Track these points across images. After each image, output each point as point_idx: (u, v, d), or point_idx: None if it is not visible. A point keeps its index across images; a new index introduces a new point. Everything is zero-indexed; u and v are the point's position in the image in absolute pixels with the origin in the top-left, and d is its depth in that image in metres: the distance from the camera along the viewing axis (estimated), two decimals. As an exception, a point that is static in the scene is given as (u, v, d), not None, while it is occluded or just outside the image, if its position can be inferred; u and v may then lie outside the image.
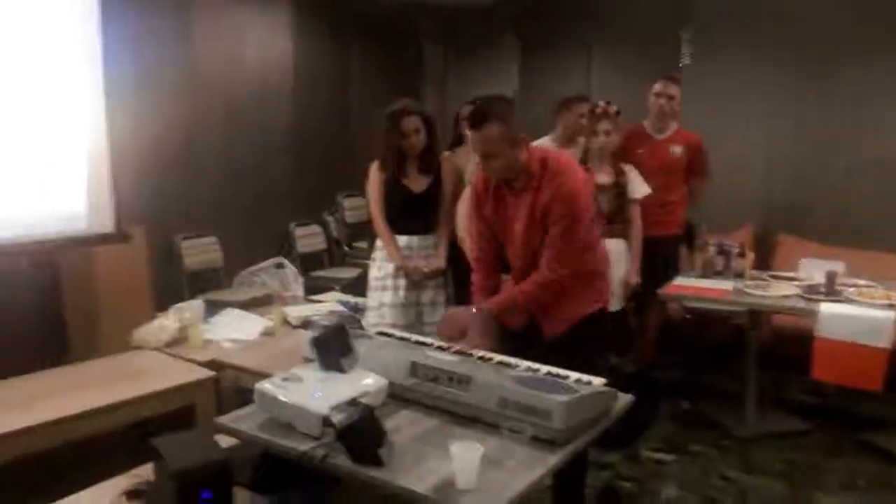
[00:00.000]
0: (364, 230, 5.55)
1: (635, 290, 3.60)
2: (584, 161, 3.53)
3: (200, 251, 4.88)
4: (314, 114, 5.71)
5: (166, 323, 3.62)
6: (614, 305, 3.50)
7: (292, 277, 4.89)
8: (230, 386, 3.30)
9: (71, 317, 3.68)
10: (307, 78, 5.65)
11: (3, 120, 3.28)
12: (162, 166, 4.55)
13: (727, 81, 5.08)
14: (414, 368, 2.05)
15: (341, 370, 2.02)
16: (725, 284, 3.65)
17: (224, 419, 2.00)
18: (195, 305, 3.82)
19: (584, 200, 2.40)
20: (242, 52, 5.15)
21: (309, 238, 5.60)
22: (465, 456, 1.60)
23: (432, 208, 3.39)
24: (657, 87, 3.92)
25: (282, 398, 1.89)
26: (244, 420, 1.98)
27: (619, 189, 3.50)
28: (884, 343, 3.07)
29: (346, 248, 5.85)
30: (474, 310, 2.44)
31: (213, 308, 4.00)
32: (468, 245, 2.90)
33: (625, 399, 2.10)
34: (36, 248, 3.44)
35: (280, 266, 4.96)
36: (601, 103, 3.49)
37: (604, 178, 3.49)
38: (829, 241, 4.55)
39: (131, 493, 2.17)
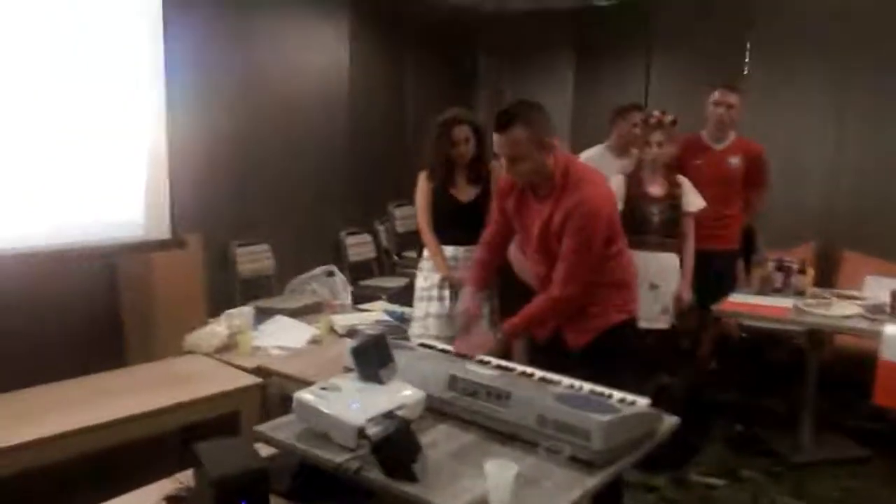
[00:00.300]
0: (413, 240, 5.56)
1: (688, 306, 3.48)
2: (637, 171, 3.45)
3: (254, 258, 4.97)
4: (369, 122, 5.77)
5: (217, 329, 3.70)
6: (665, 322, 3.41)
7: (341, 286, 4.93)
8: (276, 393, 3.34)
9: (128, 320, 3.80)
10: (363, 87, 5.71)
11: (66, 125, 3.39)
12: (218, 173, 4.65)
13: (790, 90, 4.92)
14: (453, 382, 2.02)
15: (380, 381, 2.01)
16: (784, 302, 3.51)
17: (263, 427, 2.02)
18: (245, 312, 3.90)
19: (603, 214, 2.34)
20: (300, 60, 5.24)
21: (359, 247, 5.64)
22: (499, 475, 1.57)
23: (480, 218, 3.35)
24: (716, 95, 3.81)
25: (319, 408, 1.89)
26: (282, 429, 1.99)
27: (672, 201, 3.40)
28: (954, 368, 2.90)
29: (395, 258, 5.87)
30: (497, 335, 2.41)
31: (263, 315, 4.08)
32: (516, 261, 2.87)
33: (670, 421, 2.03)
34: (95, 253, 3.55)
35: (330, 274, 5.00)
36: (656, 113, 3.40)
37: (656, 189, 3.40)
38: (896, 258, 4.34)
39: (172, 499, 2.21)
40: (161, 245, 3.80)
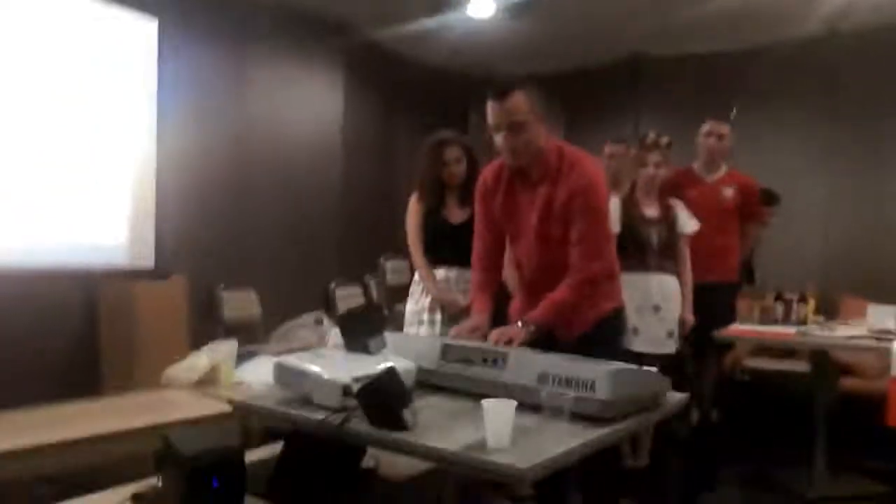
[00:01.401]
0: (405, 294, 5.47)
1: (691, 332, 3.37)
2: (632, 193, 3.42)
3: (239, 303, 4.83)
4: (361, 177, 5.79)
5: (198, 361, 3.53)
6: (671, 347, 3.29)
7: (331, 334, 4.78)
8: (256, 427, 3.16)
9: (106, 351, 3.64)
10: (356, 142, 5.78)
11: (55, 146, 3.37)
12: (208, 215, 4.60)
13: (782, 136, 5.04)
14: (445, 350, 1.91)
15: (368, 352, 1.88)
16: (787, 329, 3.40)
17: (240, 397, 1.87)
18: (228, 345, 3.74)
19: (605, 190, 2.32)
20: (294, 112, 5.31)
21: (349, 299, 5.51)
22: (497, 410, 1.43)
23: (472, 241, 3.28)
24: (706, 126, 3.84)
25: (302, 367, 1.76)
26: (261, 399, 1.84)
27: (668, 223, 3.36)
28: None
29: (385, 312, 5.74)
30: (520, 324, 2.25)
31: (247, 357, 3.92)
32: (510, 276, 2.77)
33: (678, 396, 1.90)
34: (77, 277, 3.45)
35: (319, 322, 4.86)
36: (651, 134, 3.41)
37: (651, 211, 3.37)
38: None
39: (139, 496, 2.06)
40: (145, 274, 3.71)
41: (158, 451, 1.84)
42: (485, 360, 1.81)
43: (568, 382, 1.63)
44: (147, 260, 3.72)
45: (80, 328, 3.52)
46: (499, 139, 2.27)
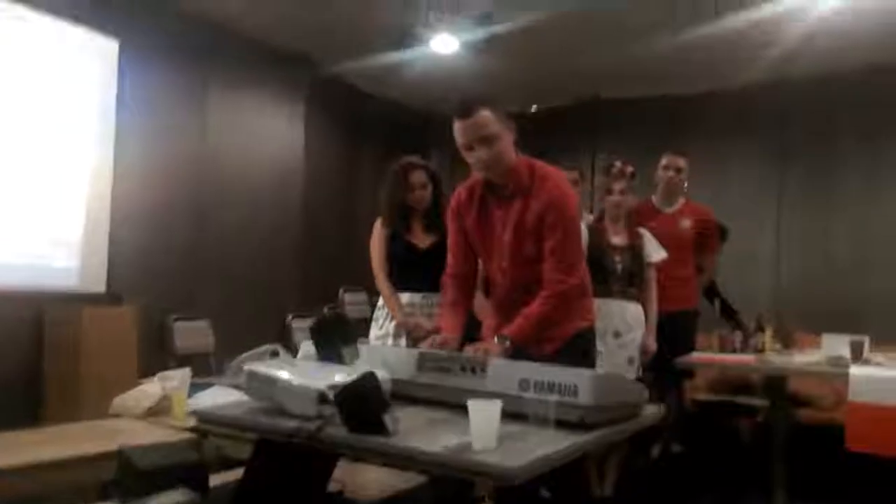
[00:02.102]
0: (364, 327, 5.38)
1: (653, 356, 3.39)
2: (599, 221, 3.46)
3: (192, 334, 4.68)
4: (322, 209, 5.76)
5: (149, 390, 3.38)
6: (632, 374, 3.29)
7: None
8: (212, 454, 3.02)
9: (50, 377, 3.45)
10: (317, 174, 5.75)
11: (7, 163, 3.25)
12: (161, 244, 4.48)
13: (733, 176, 5.21)
14: (422, 360, 1.85)
15: (342, 361, 1.82)
16: (746, 357, 3.45)
17: (205, 408, 1.78)
18: (182, 373, 3.59)
19: (574, 204, 2.32)
20: (255, 138, 5.26)
21: (307, 331, 5.39)
22: (483, 410, 1.39)
23: (438, 266, 3.24)
24: (665, 160, 3.93)
25: (275, 375, 1.68)
26: (228, 408, 1.75)
27: (634, 251, 3.40)
28: (925, 405, 2.84)
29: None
30: (496, 340, 2.21)
31: (201, 388, 3.77)
32: (476, 303, 2.75)
33: (654, 409, 1.89)
34: (23, 298, 3.28)
35: (275, 354, 4.72)
36: (618, 163, 3.47)
37: (619, 239, 3.40)
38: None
39: None
40: (94, 299, 3.56)
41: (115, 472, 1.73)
42: (463, 369, 1.76)
43: (550, 388, 1.60)
44: (98, 285, 3.58)
45: (24, 352, 3.34)
46: (471, 157, 2.26)
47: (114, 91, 3.72)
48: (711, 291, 4.07)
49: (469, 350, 2.07)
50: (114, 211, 3.69)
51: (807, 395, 4.14)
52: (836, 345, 3.48)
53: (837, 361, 3.24)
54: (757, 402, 4.29)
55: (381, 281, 3.29)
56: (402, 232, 3.25)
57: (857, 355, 3.25)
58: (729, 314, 4.10)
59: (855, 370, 3.02)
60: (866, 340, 3.34)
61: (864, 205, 5.09)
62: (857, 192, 5.12)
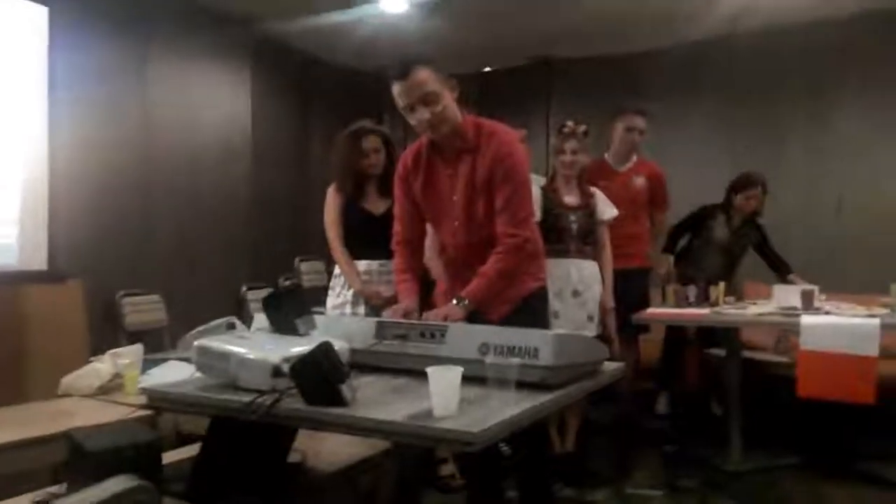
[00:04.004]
0: (321, 295, 5.32)
1: (612, 312, 3.42)
2: (552, 182, 3.44)
3: (142, 309, 4.54)
4: (273, 176, 5.60)
5: (100, 367, 3.27)
6: (592, 330, 3.31)
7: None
8: (169, 430, 2.96)
9: (-8, 360, 3.31)
10: (267, 140, 5.58)
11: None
12: (105, 217, 4.29)
13: (685, 131, 5.29)
14: (380, 329, 1.82)
15: (297, 332, 1.77)
16: (701, 311, 3.51)
17: (156, 386, 1.71)
18: (133, 350, 3.49)
19: (524, 157, 2.30)
20: (200, 105, 5.05)
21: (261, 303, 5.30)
22: (443, 377, 1.36)
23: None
24: (626, 121, 3.92)
25: (227, 349, 1.63)
26: (179, 386, 1.69)
27: (587, 210, 3.39)
28: (873, 351, 2.93)
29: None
30: (454, 302, 2.17)
31: (153, 364, 3.68)
32: (434, 266, 2.71)
33: (613, 366, 1.89)
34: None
35: (231, 326, 4.62)
36: (569, 123, 3.43)
37: (572, 199, 3.39)
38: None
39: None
40: (35, 277, 3.41)
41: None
42: (422, 335, 1.74)
43: (510, 351, 1.58)
44: (39, 262, 3.43)
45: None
46: (414, 118, 2.21)
47: (45, 62, 3.51)
48: (762, 248, 4.18)
49: (430, 315, 2.05)
50: (52, 186, 3.51)
51: (753, 341, 4.25)
52: (787, 295, 3.57)
53: (789, 311, 3.32)
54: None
55: (337, 249, 3.24)
56: (357, 198, 3.20)
57: (808, 305, 3.33)
58: (776, 268, 4.13)
59: (806, 319, 3.09)
60: (816, 289, 3.43)
61: (812, 154, 5.20)
62: (803, 144, 5.22)
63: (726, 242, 4.14)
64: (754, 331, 4.05)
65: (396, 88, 2.16)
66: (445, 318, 1.98)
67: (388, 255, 3.05)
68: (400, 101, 2.18)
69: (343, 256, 3.21)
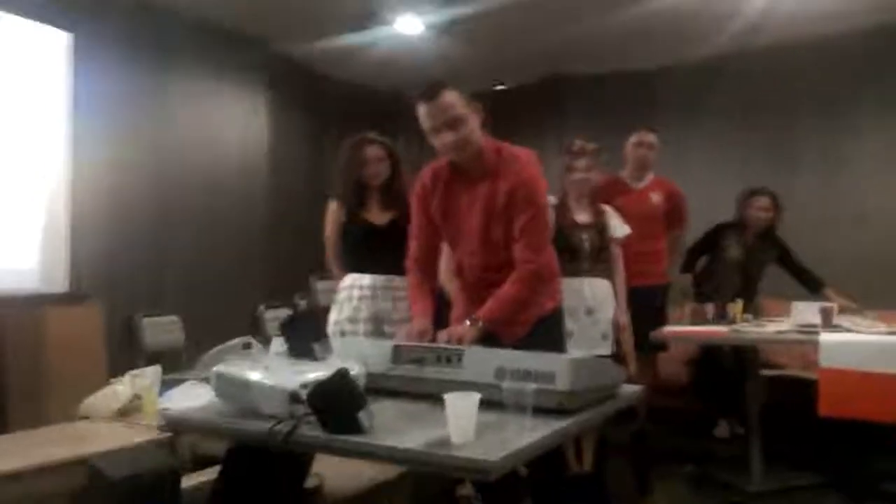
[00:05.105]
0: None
1: (626, 330, 3.40)
2: (563, 200, 3.44)
3: (161, 330, 4.58)
4: (290, 196, 5.65)
5: (119, 389, 3.30)
6: (606, 349, 3.30)
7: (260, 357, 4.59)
8: (187, 452, 2.96)
9: (13, 382, 3.35)
10: (284, 160, 5.64)
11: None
12: (126, 240, 4.36)
13: (698, 149, 5.27)
14: (397, 353, 1.82)
15: (314, 357, 1.78)
16: (719, 328, 3.48)
17: (174, 413, 1.73)
18: (152, 371, 3.52)
19: (543, 184, 2.30)
20: (217, 127, 5.13)
21: (278, 322, 5.32)
22: (460, 403, 1.37)
23: (399, 243, 2.89)
24: (637, 136, 3.93)
25: (245, 377, 1.64)
26: (199, 412, 1.71)
27: (599, 228, 3.39)
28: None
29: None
30: (468, 323, 2.15)
31: (172, 385, 3.70)
32: (450, 288, 2.70)
33: (633, 388, 1.88)
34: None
35: (248, 346, 4.64)
36: (578, 141, 3.44)
37: (583, 216, 3.39)
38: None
39: None
40: (57, 299, 3.45)
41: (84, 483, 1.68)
42: (439, 360, 1.74)
43: (527, 376, 1.58)
44: (60, 284, 3.48)
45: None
46: (438, 140, 2.22)
47: (69, 86, 3.58)
48: (784, 263, 4.10)
49: (443, 335, 2.05)
50: (74, 209, 3.56)
51: (774, 359, 4.21)
52: (806, 312, 3.52)
53: (807, 328, 3.28)
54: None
55: (335, 265, 3.19)
56: (358, 210, 3.09)
57: (827, 322, 3.29)
58: (806, 282, 4.04)
59: (825, 337, 3.05)
60: (835, 307, 3.39)
61: (825, 173, 5.16)
62: (818, 160, 5.19)
63: (741, 260, 4.09)
64: (775, 348, 4.01)
65: (423, 110, 2.18)
66: (460, 340, 1.98)
67: (394, 269, 2.93)
68: (425, 123, 2.20)
69: (339, 273, 3.14)
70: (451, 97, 2.14)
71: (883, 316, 3.46)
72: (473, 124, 2.20)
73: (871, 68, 4.98)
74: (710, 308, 3.68)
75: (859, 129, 5.09)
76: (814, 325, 3.30)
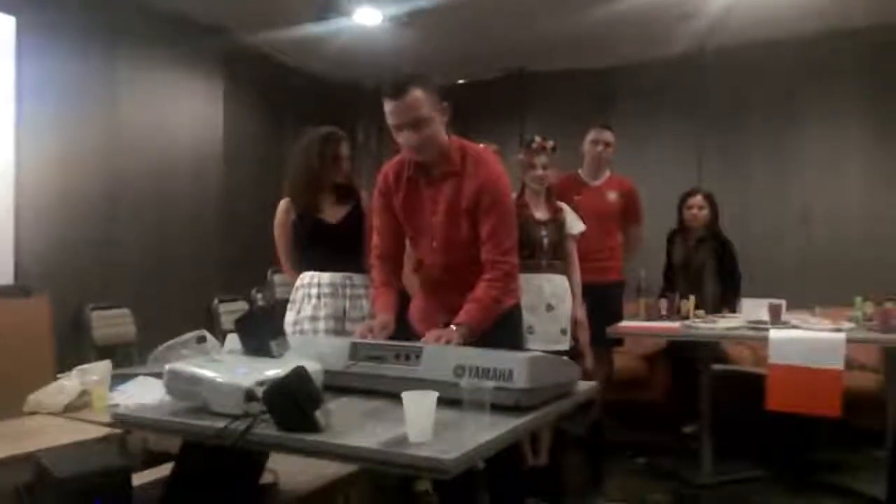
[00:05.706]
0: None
1: (583, 325, 3.45)
2: (521, 197, 3.46)
3: (112, 323, 4.47)
4: (246, 186, 5.55)
5: (67, 384, 3.20)
6: (565, 344, 3.34)
7: (215, 352, 4.51)
8: (138, 449, 2.90)
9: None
10: (238, 151, 5.53)
11: None
12: (73, 231, 4.23)
13: (655, 147, 5.36)
14: (354, 350, 1.81)
15: (270, 354, 1.75)
16: (672, 324, 3.56)
17: (124, 410, 1.69)
18: (101, 367, 3.42)
19: (508, 186, 2.31)
20: (170, 116, 5.01)
21: (234, 315, 5.23)
22: (418, 402, 1.36)
23: (352, 240, 3.02)
24: (593, 134, 3.98)
25: (199, 373, 1.61)
26: (149, 410, 1.67)
27: (556, 224, 3.42)
28: (839, 365, 2.99)
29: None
30: (453, 327, 2.11)
31: (123, 380, 3.61)
32: (409, 283, 2.68)
33: (588, 385, 1.91)
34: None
35: (202, 339, 4.56)
36: (538, 138, 3.47)
37: (541, 213, 3.42)
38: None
39: None
40: (2, 291, 3.34)
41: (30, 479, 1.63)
42: (398, 357, 1.73)
43: (485, 373, 1.59)
44: (5, 276, 3.36)
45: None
46: (401, 137, 2.20)
47: (13, 71, 3.45)
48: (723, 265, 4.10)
49: (430, 338, 2.03)
50: (19, 199, 3.44)
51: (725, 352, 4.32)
52: (755, 309, 3.62)
53: (758, 325, 3.37)
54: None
55: (287, 269, 3.13)
56: (311, 211, 3.01)
57: (776, 318, 3.39)
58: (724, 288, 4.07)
59: (774, 334, 3.14)
60: (783, 304, 3.49)
61: (773, 173, 5.31)
62: (766, 161, 5.33)
63: (685, 259, 4.17)
64: (727, 343, 4.11)
65: (388, 106, 2.15)
66: (447, 343, 1.96)
67: (353, 267, 2.99)
68: (389, 119, 2.17)
69: (292, 276, 3.08)
70: (416, 95, 2.11)
71: (828, 313, 3.58)
72: (437, 124, 2.18)
73: (819, 72, 5.13)
74: (663, 304, 3.74)
75: (805, 132, 5.25)
76: (763, 322, 3.40)
